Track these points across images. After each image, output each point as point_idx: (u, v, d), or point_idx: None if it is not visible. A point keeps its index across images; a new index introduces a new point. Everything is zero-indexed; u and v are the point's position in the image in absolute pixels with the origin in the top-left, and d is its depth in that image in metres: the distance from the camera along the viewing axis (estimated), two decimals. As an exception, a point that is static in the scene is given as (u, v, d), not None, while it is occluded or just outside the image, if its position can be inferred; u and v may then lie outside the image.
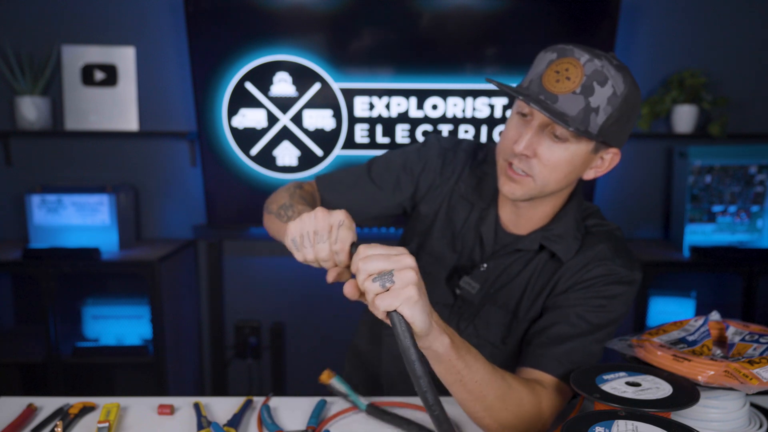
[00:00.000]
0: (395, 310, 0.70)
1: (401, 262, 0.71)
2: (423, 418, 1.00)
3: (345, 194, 1.16)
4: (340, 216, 0.78)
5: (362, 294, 0.75)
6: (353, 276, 0.75)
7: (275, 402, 1.05)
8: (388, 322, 0.72)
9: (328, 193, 1.17)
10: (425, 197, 1.15)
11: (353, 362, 1.30)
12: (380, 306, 0.70)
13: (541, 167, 0.95)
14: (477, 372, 0.83)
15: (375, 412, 0.99)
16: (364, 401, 1.01)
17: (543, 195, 1.00)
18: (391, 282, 0.70)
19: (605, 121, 0.91)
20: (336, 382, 1.02)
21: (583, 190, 1.09)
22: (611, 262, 1.00)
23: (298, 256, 0.81)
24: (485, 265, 1.08)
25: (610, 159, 1.00)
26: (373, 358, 1.23)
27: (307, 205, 1.04)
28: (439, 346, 0.77)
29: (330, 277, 0.81)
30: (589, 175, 1.01)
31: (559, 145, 0.94)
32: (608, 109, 0.90)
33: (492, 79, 0.95)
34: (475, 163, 1.14)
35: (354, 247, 0.76)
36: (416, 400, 1.06)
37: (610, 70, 0.90)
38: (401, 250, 0.73)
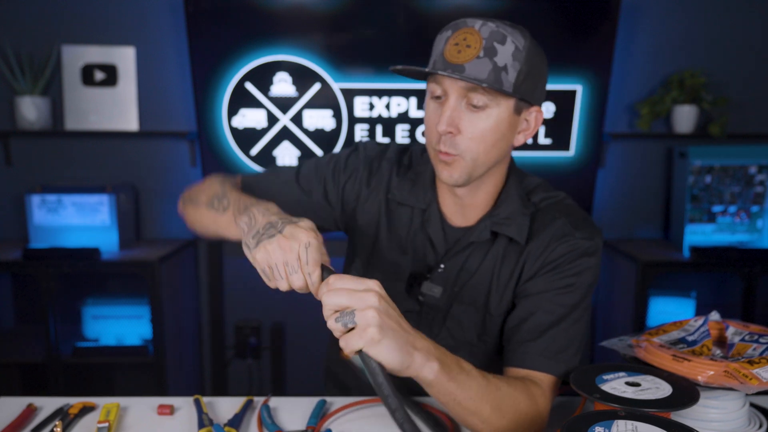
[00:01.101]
0: (362, 350, 0.69)
1: (363, 301, 0.69)
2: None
3: (275, 201, 1.03)
4: (305, 237, 0.75)
5: None
6: None
7: (275, 402, 1.05)
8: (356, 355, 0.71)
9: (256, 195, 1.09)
10: (357, 210, 1.12)
11: (332, 382, 1.27)
12: (345, 347, 0.69)
13: (468, 141, 0.93)
14: (470, 389, 0.81)
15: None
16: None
17: (479, 172, 0.97)
18: (352, 322, 0.69)
19: (516, 77, 0.90)
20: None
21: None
22: (572, 238, 0.99)
23: (270, 284, 0.79)
24: (442, 266, 1.05)
25: (534, 118, 0.99)
26: (347, 377, 1.21)
27: (242, 194, 0.99)
28: (428, 373, 0.76)
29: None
30: (519, 140, 0.99)
31: (479, 114, 0.92)
32: (516, 65, 0.90)
33: (396, 66, 0.94)
34: (402, 168, 1.11)
35: (325, 271, 0.74)
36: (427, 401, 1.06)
37: (506, 28, 0.91)
38: (369, 285, 0.71)
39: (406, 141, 2.58)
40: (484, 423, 0.85)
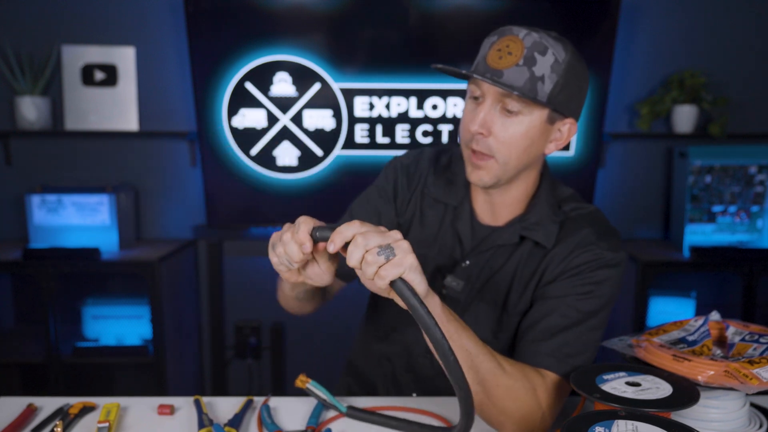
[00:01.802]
0: (399, 278, 0.75)
1: (394, 236, 0.77)
2: (404, 416, 1.01)
3: None
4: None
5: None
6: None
7: (275, 402, 1.05)
8: (387, 294, 0.78)
9: None
10: (403, 212, 1.17)
11: (350, 375, 1.29)
12: (386, 276, 0.74)
13: (499, 144, 0.97)
14: (468, 339, 0.86)
15: (356, 413, 0.99)
16: (343, 404, 1.00)
17: (509, 175, 1.01)
18: (393, 254, 0.75)
19: (552, 88, 0.94)
20: (312, 387, 1.00)
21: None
22: (596, 247, 1.01)
23: (272, 257, 0.84)
24: (467, 262, 1.08)
25: (567, 130, 1.01)
26: (369, 372, 1.23)
27: None
28: (434, 306, 0.82)
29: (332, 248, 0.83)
30: (549, 149, 1.02)
31: (512, 120, 0.96)
32: (553, 76, 0.93)
33: (438, 65, 0.98)
34: (439, 167, 1.15)
35: (317, 230, 0.80)
36: (396, 402, 1.06)
37: (549, 40, 0.93)
38: (384, 228, 0.78)
39: (406, 141, 2.58)
40: (480, 385, 0.87)
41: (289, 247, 0.81)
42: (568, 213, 1.07)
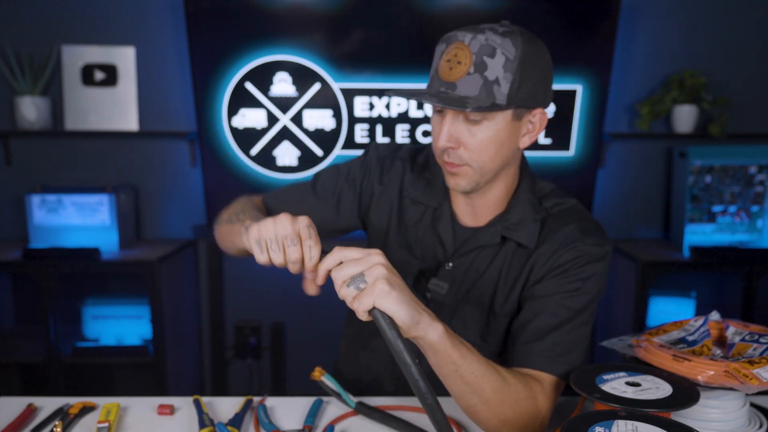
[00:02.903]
0: (375, 308, 0.73)
1: (369, 261, 0.75)
2: (411, 417, 1.00)
3: (291, 210, 1.08)
4: (305, 220, 0.81)
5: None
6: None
7: (273, 402, 1.05)
8: (370, 319, 0.75)
9: (274, 209, 1.17)
10: (371, 207, 1.16)
11: (338, 380, 1.29)
12: (359, 307, 0.73)
13: (470, 153, 0.95)
14: (472, 363, 0.84)
15: (364, 409, 1.00)
16: (353, 399, 1.01)
17: (486, 177, 0.99)
18: (363, 283, 0.73)
19: (510, 88, 0.91)
20: (327, 380, 1.02)
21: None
22: (581, 243, 0.99)
23: (262, 258, 0.82)
24: (450, 264, 1.07)
25: (538, 120, 0.99)
26: (355, 380, 1.22)
27: (260, 211, 1.07)
28: (433, 334, 0.79)
29: (311, 289, 0.83)
30: (524, 142, 1.00)
31: (477, 127, 0.94)
32: (508, 76, 0.90)
33: (391, 89, 0.97)
34: (417, 166, 1.14)
35: (323, 253, 0.79)
36: (407, 401, 1.06)
37: (495, 39, 0.90)
38: (370, 250, 0.76)
39: (406, 141, 2.58)
40: (485, 404, 0.86)
41: (294, 266, 0.81)
42: (549, 209, 1.06)
